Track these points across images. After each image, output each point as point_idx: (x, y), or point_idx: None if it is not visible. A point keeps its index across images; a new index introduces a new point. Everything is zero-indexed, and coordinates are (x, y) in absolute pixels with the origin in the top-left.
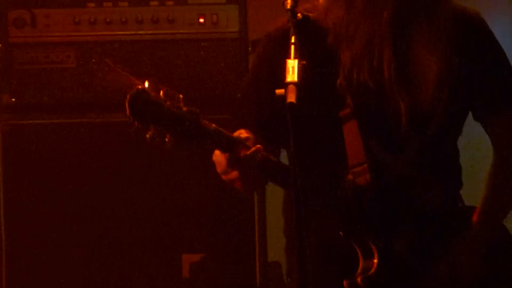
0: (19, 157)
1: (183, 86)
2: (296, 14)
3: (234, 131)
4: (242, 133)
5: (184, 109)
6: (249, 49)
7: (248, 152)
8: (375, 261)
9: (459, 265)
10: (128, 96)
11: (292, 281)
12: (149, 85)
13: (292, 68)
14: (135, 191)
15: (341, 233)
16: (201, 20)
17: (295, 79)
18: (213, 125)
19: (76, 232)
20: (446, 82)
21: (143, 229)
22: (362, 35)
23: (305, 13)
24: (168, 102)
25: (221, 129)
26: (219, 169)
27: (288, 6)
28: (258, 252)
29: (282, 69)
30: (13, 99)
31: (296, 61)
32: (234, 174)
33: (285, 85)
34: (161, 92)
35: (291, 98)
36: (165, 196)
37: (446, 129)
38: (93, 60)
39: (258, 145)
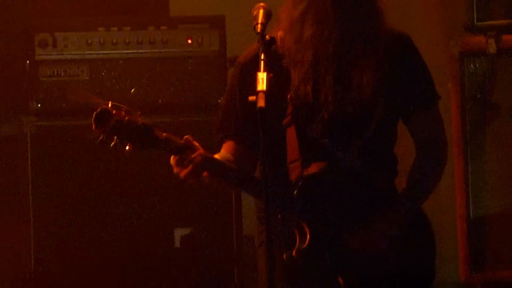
0: (44, 153)
1: (175, 94)
2: (265, 36)
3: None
4: (190, 140)
5: (140, 122)
6: (227, 64)
7: (192, 155)
8: (308, 237)
9: (371, 239)
10: (94, 114)
11: (261, 252)
12: (111, 104)
13: (262, 79)
14: (137, 177)
15: (279, 216)
16: (189, 41)
17: (264, 88)
18: (164, 134)
19: (91, 213)
20: (379, 91)
21: (142, 208)
22: (307, 61)
23: (272, 36)
24: (126, 117)
25: (171, 137)
26: (174, 170)
27: (259, 30)
28: (235, 227)
29: (252, 83)
30: (39, 105)
31: (265, 73)
32: (184, 172)
33: (256, 93)
34: (122, 110)
35: (261, 103)
36: (160, 181)
37: (381, 130)
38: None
39: (200, 150)
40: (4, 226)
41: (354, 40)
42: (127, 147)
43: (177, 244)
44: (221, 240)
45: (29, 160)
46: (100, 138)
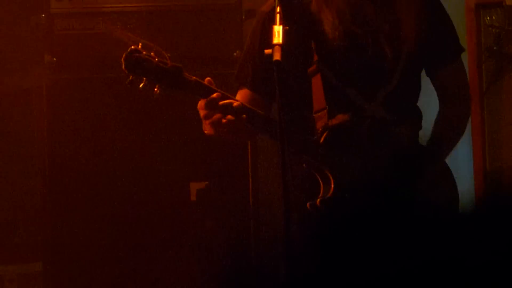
0: (60, 106)
1: (188, 47)
2: None
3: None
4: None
5: (170, 64)
6: (243, 16)
7: (227, 101)
8: (332, 186)
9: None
10: (124, 54)
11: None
12: (142, 45)
13: (278, 32)
14: (152, 133)
15: (304, 165)
16: None
17: (280, 41)
18: (194, 77)
19: (107, 166)
20: (409, 41)
21: (158, 163)
22: (340, 2)
23: None
24: (156, 59)
25: (200, 80)
26: (201, 114)
27: None
28: (251, 181)
29: (270, 35)
30: (54, 59)
31: (281, 26)
32: (216, 117)
33: (272, 46)
34: (152, 51)
35: (277, 56)
36: (177, 136)
37: (406, 81)
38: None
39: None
40: (20, 182)
41: None
42: (155, 89)
43: (193, 198)
44: (237, 193)
45: (45, 113)
46: (129, 78)
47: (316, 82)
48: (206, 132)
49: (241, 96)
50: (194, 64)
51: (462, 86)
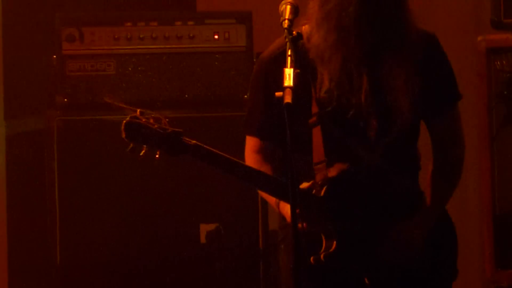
0: (70, 147)
1: (199, 89)
2: (292, 31)
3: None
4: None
5: (169, 130)
6: (254, 59)
7: None
8: (335, 241)
9: (405, 242)
10: (123, 123)
11: (285, 247)
12: (139, 112)
13: (289, 75)
14: (163, 173)
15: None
16: (216, 36)
17: (291, 83)
18: (193, 141)
19: (117, 208)
20: (410, 94)
21: (167, 204)
22: (336, 62)
23: (298, 32)
24: (155, 125)
25: (200, 144)
26: None
27: (286, 25)
28: (261, 223)
29: (277, 79)
30: (65, 100)
31: (292, 69)
32: None
33: (283, 89)
34: (151, 117)
35: (288, 99)
36: (186, 178)
37: (406, 131)
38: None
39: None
40: (31, 221)
41: (382, 44)
42: (156, 155)
43: (203, 239)
44: (246, 236)
45: (56, 154)
46: (130, 146)
47: (316, 134)
48: None
49: (250, 144)
50: (204, 106)
51: (458, 133)
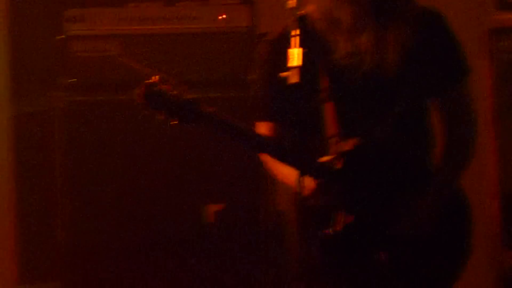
0: (74, 128)
1: (201, 70)
2: (297, 11)
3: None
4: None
5: (188, 97)
6: (256, 40)
7: None
8: (352, 213)
9: (417, 218)
10: (143, 88)
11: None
12: (159, 77)
13: (298, 55)
14: (170, 153)
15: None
16: (220, 17)
17: (299, 63)
18: (211, 108)
19: (122, 188)
20: (411, 60)
21: (173, 183)
22: (346, 19)
23: (303, 11)
24: (175, 92)
25: (218, 112)
26: None
27: (291, 6)
28: (268, 203)
29: (283, 60)
30: (69, 81)
31: (300, 49)
32: None
33: (289, 69)
34: (169, 83)
35: (296, 79)
36: (192, 157)
37: (413, 106)
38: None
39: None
40: (34, 203)
41: (388, 3)
42: (174, 121)
43: (209, 220)
44: (253, 216)
45: (59, 135)
46: (148, 110)
47: (328, 109)
48: None
49: (261, 131)
50: (206, 87)
51: (464, 111)
